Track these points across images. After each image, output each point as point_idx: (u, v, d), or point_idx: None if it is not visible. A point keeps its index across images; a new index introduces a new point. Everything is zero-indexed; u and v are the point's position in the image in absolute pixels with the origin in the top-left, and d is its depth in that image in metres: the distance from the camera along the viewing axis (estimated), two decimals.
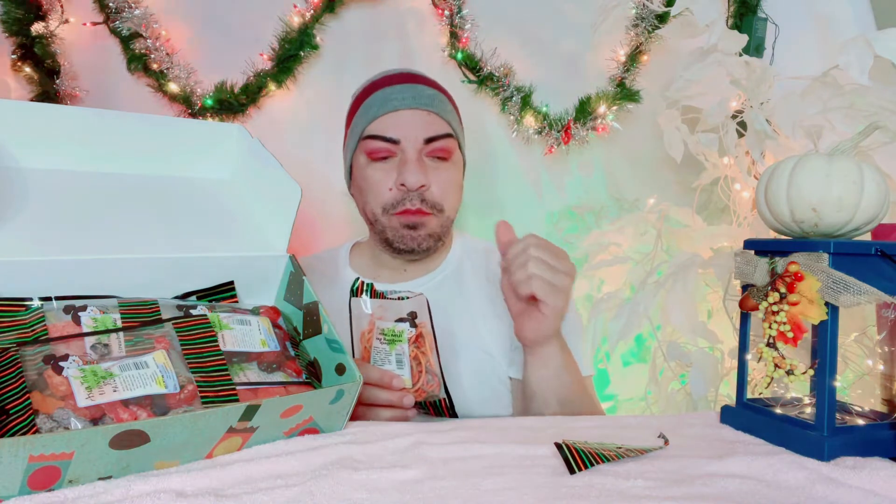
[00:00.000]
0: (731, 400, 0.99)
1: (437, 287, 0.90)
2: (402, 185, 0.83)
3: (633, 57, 1.24)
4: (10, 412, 0.45)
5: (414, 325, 0.72)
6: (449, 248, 0.95)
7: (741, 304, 0.59)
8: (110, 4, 1.22)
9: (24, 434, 0.43)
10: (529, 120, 1.26)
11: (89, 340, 0.52)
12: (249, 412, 0.50)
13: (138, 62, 1.24)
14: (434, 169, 0.85)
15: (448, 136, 0.86)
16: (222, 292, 0.66)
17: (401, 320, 0.72)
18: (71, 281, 0.57)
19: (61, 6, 1.24)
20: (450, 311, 0.87)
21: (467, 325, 0.88)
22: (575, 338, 0.86)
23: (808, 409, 0.58)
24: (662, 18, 1.21)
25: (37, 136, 0.64)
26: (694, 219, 1.17)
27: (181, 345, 0.56)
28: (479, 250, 0.96)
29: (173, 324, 0.57)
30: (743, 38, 1.01)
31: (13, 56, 1.22)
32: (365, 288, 0.74)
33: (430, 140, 0.84)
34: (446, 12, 1.25)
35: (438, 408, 0.73)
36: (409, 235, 0.86)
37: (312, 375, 0.62)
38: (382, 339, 0.72)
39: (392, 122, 0.84)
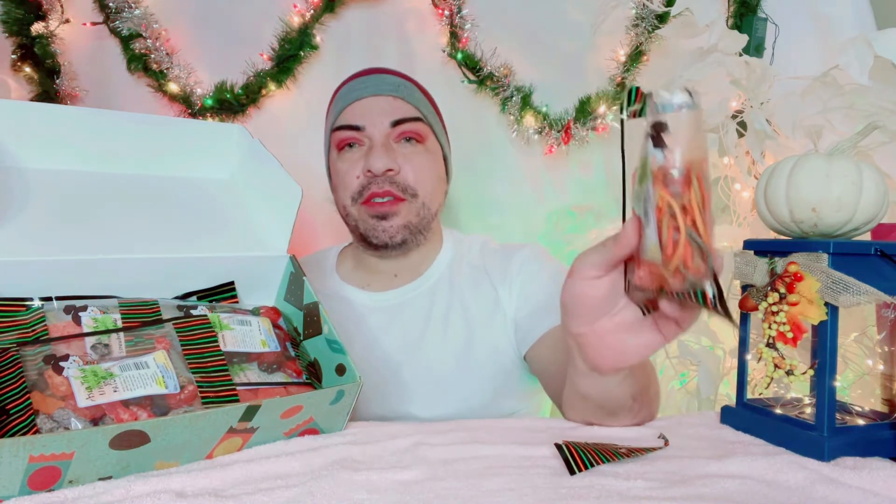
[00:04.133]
0: (731, 400, 0.99)
1: (431, 290, 0.87)
2: (369, 170, 0.79)
3: (633, 57, 1.24)
4: (11, 412, 0.45)
5: (661, 144, 0.41)
6: (439, 247, 0.91)
7: (741, 304, 0.59)
8: (110, 4, 1.22)
9: (25, 434, 0.43)
10: (529, 120, 1.26)
11: (90, 340, 0.52)
12: (250, 413, 0.50)
13: (138, 62, 1.24)
14: (406, 154, 0.81)
15: (417, 119, 0.82)
16: (223, 292, 0.66)
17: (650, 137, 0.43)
18: (71, 281, 0.57)
19: (61, 6, 1.24)
20: (448, 315, 0.84)
21: (467, 329, 0.84)
22: None
23: (808, 409, 0.59)
24: (662, 18, 1.21)
25: (37, 136, 0.64)
26: None
27: (181, 345, 0.56)
28: (474, 248, 0.92)
29: (174, 324, 0.57)
30: (743, 38, 1.01)
31: (13, 56, 1.22)
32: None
33: (396, 123, 0.81)
34: (446, 12, 1.25)
35: (701, 302, 0.42)
36: (380, 227, 0.81)
37: (313, 376, 0.62)
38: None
39: (356, 110, 0.81)
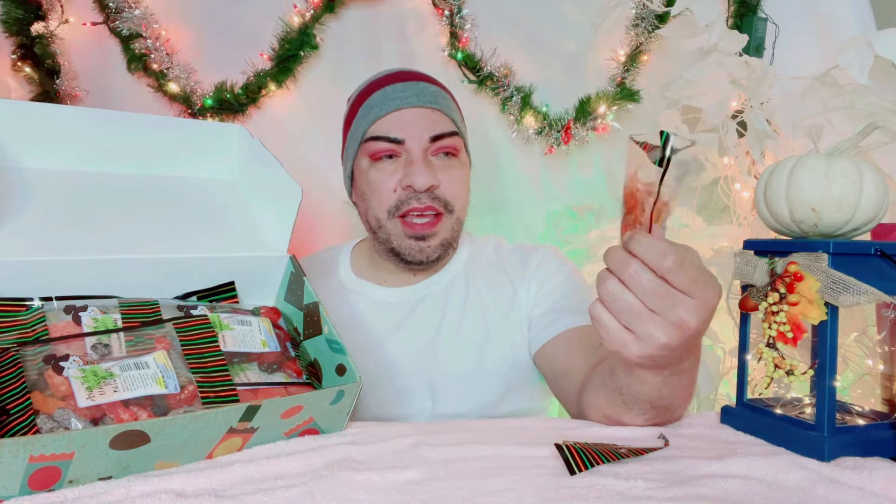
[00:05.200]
0: (731, 400, 0.99)
1: (447, 287, 0.88)
2: (409, 186, 0.79)
3: (633, 57, 1.24)
4: (11, 412, 0.45)
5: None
6: (455, 246, 0.92)
7: (741, 304, 0.59)
8: (110, 4, 1.23)
9: (25, 434, 0.43)
10: (529, 120, 1.26)
11: (90, 340, 0.52)
12: (250, 413, 0.50)
13: (138, 62, 1.24)
14: (442, 167, 0.81)
15: (454, 133, 0.82)
16: (223, 292, 0.66)
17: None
18: (71, 281, 0.57)
19: (61, 6, 1.24)
20: (464, 311, 0.85)
21: (484, 325, 0.84)
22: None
23: (808, 410, 0.59)
24: (662, 18, 1.21)
25: (37, 136, 0.64)
26: (694, 219, 1.17)
27: (182, 345, 0.56)
28: (489, 247, 0.93)
29: (174, 324, 0.57)
30: (743, 38, 1.01)
31: (13, 56, 1.22)
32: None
33: (435, 138, 0.80)
34: (446, 12, 1.25)
35: None
36: (416, 247, 0.81)
37: (313, 376, 0.62)
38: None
39: (395, 121, 0.80)
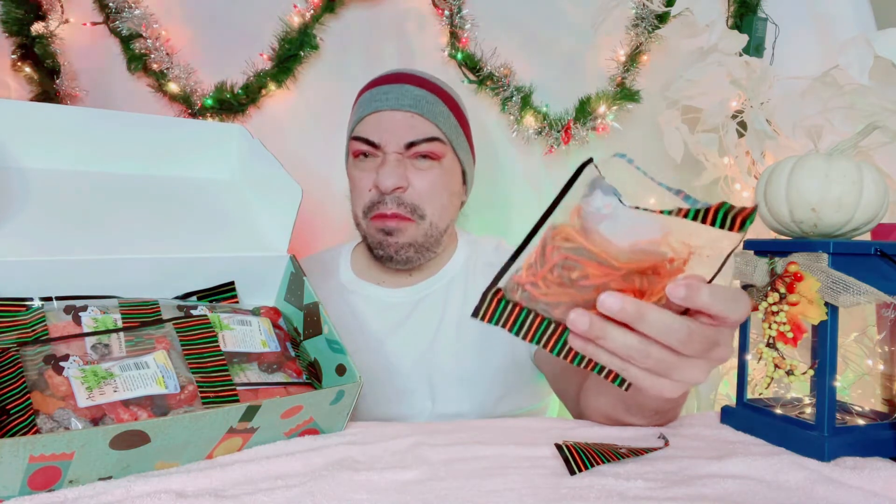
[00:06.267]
0: (731, 400, 0.99)
1: (446, 287, 0.88)
2: (376, 186, 0.80)
3: (633, 57, 1.24)
4: (11, 412, 0.45)
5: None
6: (454, 247, 0.92)
7: None
8: (110, 4, 1.22)
9: (25, 434, 0.43)
10: (529, 120, 1.26)
11: (90, 340, 0.52)
12: (250, 413, 0.50)
13: (138, 62, 1.24)
14: (417, 170, 0.81)
15: (433, 139, 0.80)
16: (223, 292, 0.66)
17: None
18: (71, 281, 0.57)
19: (61, 6, 1.24)
20: (463, 311, 0.85)
21: (483, 325, 0.85)
22: None
23: (808, 409, 0.59)
24: (662, 18, 1.21)
25: (37, 136, 0.64)
26: None
27: (182, 345, 0.56)
28: (489, 248, 0.93)
29: (174, 324, 0.57)
30: (743, 38, 1.01)
31: (13, 56, 1.22)
32: None
33: (410, 145, 0.80)
34: (446, 12, 1.25)
35: None
36: (385, 242, 0.81)
37: (313, 376, 0.62)
38: None
39: (374, 123, 0.80)
